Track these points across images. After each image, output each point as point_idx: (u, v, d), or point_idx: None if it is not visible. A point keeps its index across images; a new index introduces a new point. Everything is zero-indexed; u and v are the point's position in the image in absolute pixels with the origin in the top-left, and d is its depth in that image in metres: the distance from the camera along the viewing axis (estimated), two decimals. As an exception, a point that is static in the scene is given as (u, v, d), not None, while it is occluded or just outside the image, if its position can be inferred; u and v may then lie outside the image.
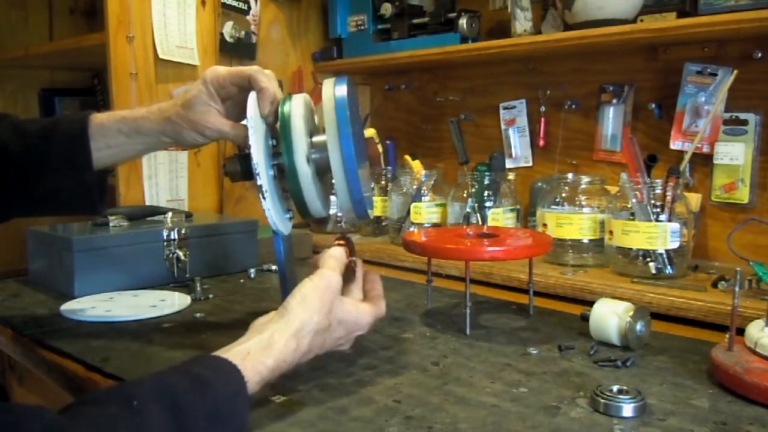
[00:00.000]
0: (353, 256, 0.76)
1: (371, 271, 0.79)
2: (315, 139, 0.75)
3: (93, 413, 0.47)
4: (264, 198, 0.73)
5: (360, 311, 0.71)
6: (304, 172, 0.73)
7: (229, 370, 0.58)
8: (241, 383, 0.57)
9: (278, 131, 0.74)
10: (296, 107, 0.74)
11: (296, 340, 0.64)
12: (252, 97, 0.76)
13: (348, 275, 0.74)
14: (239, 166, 0.79)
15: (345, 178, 0.71)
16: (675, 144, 1.24)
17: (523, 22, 1.37)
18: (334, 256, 0.71)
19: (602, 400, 0.64)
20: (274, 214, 0.74)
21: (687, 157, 1.16)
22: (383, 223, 1.54)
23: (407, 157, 1.51)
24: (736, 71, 1.12)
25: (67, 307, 1.01)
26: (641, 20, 1.22)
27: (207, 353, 0.61)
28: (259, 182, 0.72)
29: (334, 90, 0.72)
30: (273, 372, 0.61)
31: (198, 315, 0.98)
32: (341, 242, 0.75)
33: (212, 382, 0.55)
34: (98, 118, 0.82)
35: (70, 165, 0.81)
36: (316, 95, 0.74)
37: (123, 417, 0.47)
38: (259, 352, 0.61)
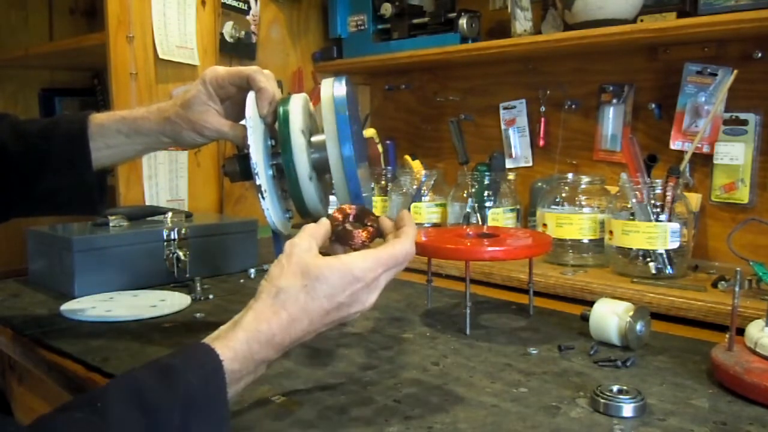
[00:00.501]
0: (370, 221, 0.70)
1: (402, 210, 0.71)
2: (314, 138, 0.75)
3: (55, 421, 0.47)
4: (263, 198, 0.73)
5: (346, 262, 0.61)
6: (303, 172, 0.73)
7: (199, 352, 0.55)
8: (215, 362, 0.54)
9: (277, 131, 0.74)
10: (295, 107, 0.74)
11: (270, 309, 0.59)
12: (251, 97, 0.76)
13: (371, 234, 0.68)
14: (238, 167, 0.79)
15: (344, 178, 0.71)
16: (675, 144, 1.24)
17: (523, 22, 1.37)
18: (309, 226, 0.65)
19: (602, 400, 0.64)
20: (273, 214, 0.74)
21: (687, 157, 1.16)
22: (383, 223, 1.54)
23: (407, 157, 1.51)
24: (736, 71, 1.12)
25: (67, 307, 1.01)
26: (641, 20, 1.22)
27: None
28: (258, 182, 0.72)
29: (333, 89, 0.72)
30: (249, 345, 0.57)
31: (198, 315, 0.98)
32: (336, 214, 0.70)
33: (181, 370, 0.52)
34: (98, 119, 0.82)
35: (69, 165, 0.81)
36: (316, 95, 0.74)
37: (85, 421, 0.46)
38: (228, 329, 0.58)
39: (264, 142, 0.75)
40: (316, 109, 0.77)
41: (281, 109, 0.74)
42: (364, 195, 0.73)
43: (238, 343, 0.57)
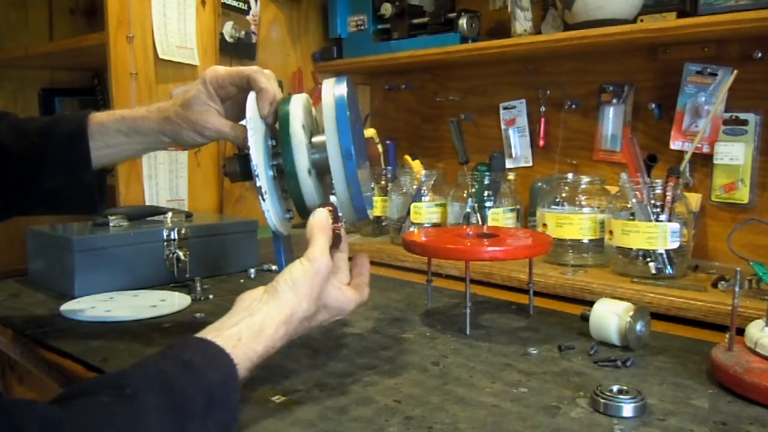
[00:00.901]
0: (338, 223, 0.73)
1: (361, 254, 0.78)
2: (315, 139, 0.75)
3: (86, 404, 0.47)
4: (263, 199, 0.73)
5: (346, 299, 0.71)
6: (304, 172, 0.73)
7: (217, 354, 0.57)
8: (231, 368, 0.57)
9: (278, 132, 0.74)
10: (295, 107, 0.74)
11: (285, 327, 0.64)
12: (251, 97, 0.76)
13: (333, 241, 0.72)
14: (238, 167, 0.78)
15: (344, 178, 0.71)
16: (675, 144, 1.24)
17: (523, 22, 1.37)
18: (323, 230, 0.68)
19: (602, 400, 0.64)
20: (273, 214, 0.74)
21: (687, 157, 1.16)
22: (383, 223, 1.54)
23: (407, 157, 1.51)
24: (736, 71, 1.12)
25: (67, 307, 1.01)
26: (641, 20, 1.22)
27: (194, 336, 0.60)
28: (258, 183, 0.72)
29: (334, 90, 0.72)
30: (261, 358, 0.61)
31: (198, 315, 0.98)
32: (328, 207, 0.72)
33: (202, 368, 0.55)
34: (97, 118, 0.82)
35: (68, 164, 0.81)
36: (316, 95, 0.74)
37: (117, 405, 0.47)
38: (251, 339, 0.60)
39: (264, 143, 0.75)
40: (317, 109, 0.77)
41: (282, 110, 0.74)
42: (365, 195, 0.73)
43: (256, 357, 0.61)
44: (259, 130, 0.74)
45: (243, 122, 0.76)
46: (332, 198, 0.75)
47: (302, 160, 0.72)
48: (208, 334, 0.60)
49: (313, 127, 0.78)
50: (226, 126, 0.80)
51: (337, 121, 0.70)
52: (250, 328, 0.61)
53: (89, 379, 0.50)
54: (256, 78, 0.77)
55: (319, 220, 0.69)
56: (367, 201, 0.74)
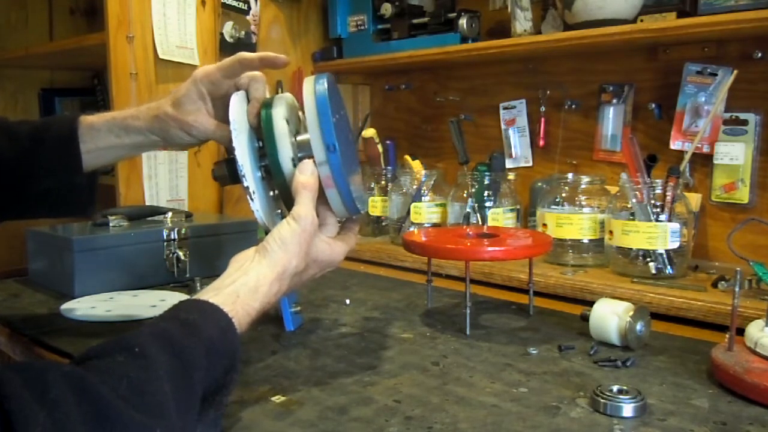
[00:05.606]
0: None
1: None
2: (300, 138, 0.74)
3: (104, 363, 0.50)
4: (252, 199, 0.73)
5: (334, 251, 0.72)
6: (290, 172, 0.72)
7: (212, 311, 0.60)
8: (227, 321, 0.59)
9: (262, 132, 0.73)
10: (279, 107, 0.74)
11: (278, 283, 0.66)
12: (234, 99, 0.75)
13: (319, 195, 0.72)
14: (227, 170, 0.78)
15: (330, 173, 0.71)
16: (675, 144, 1.24)
17: (523, 22, 1.37)
18: (307, 187, 0.69)
19: (602, 400, 0.64)
20: (263, 214, 0.74)
21: (687, 157, 1.16)
22: (383, 223, 1.54)
23: (407, 157, 1.51)
24: (736, 71, 1.12)
25: (67, 307, 1.01)
26: (641, 20, 1.22)
27: (189, 298, 0.63)
28: (245, 184, 0.72)
29: (315, 87, 0.71)
30: (259, 313, 0.64)
31: (198, 315, 0.98)
32: (312, 159, 0.71)
33: (200, 324, 0.57)
34: (88, 120, 0.82)
35: (60, 168, 0.81)
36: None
37: (130, 362, 0.50)
38: (248, 296, 0.63)
39: (251, 144, 0.74)
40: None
41: (265, 110, 0.74)
42: (352, 187, 0.72)
43: (254, 312, 0.63)
44: (243, 131, 0.73)
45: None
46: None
47: (288, 160, 0.72)
48: (208, 293, 0.62)
49: (299, 126, 0.78)
50: (213, 125, 0.80)
51: (319, 116, 0.70)
52: (246, 285, 0.64)
53: (100, 344, 0.53)
54: (244, 55, 0.77)
55: (305, 176, 0.70)
56: (358, 199, 0.74)
